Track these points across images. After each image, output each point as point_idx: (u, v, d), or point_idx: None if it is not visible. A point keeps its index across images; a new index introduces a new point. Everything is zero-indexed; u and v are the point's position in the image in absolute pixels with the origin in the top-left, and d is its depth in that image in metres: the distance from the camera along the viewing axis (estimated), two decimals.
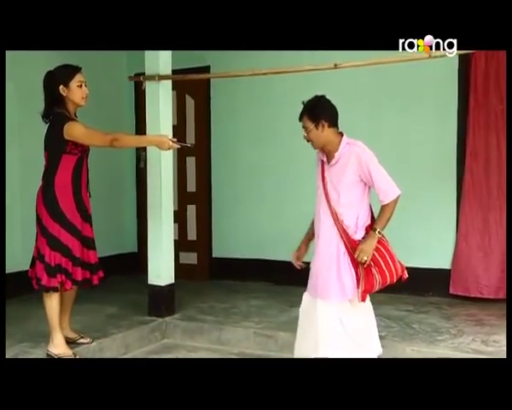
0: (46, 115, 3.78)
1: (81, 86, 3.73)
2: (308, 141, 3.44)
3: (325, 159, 3.46)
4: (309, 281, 3.55)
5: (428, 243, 5.37)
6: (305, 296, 3.58)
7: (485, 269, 5.10)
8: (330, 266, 3.40)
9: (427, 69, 4.99)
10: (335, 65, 3.94)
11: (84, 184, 3.85)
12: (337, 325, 3.39)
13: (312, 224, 3.63)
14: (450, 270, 5.30)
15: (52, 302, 3.78)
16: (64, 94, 3.71)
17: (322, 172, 3.47)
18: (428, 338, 4.14)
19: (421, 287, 5.28)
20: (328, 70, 4.15)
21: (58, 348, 3.81)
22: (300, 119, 3.43)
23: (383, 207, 3.37)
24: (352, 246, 3.35)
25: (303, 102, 3.43)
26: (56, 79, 3.72)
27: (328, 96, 3.45)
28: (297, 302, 3.78)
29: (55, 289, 3.74)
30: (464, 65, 5.14)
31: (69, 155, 3.71)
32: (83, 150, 3.76)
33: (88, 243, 3.87)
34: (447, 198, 5.31)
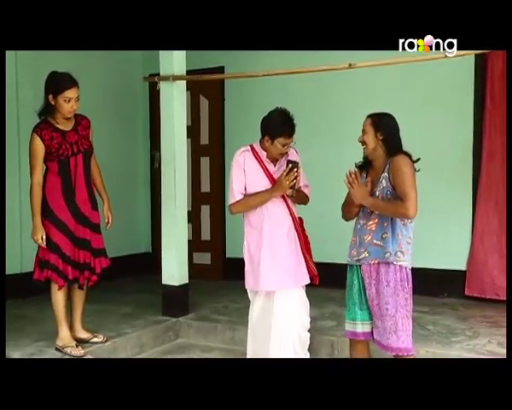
0: (39, 115, 3.83)
1: (69, 102, 3.73)
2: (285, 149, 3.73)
3: (268, 159, 3.70)
4: (261, 277, 3.70)
5: (443, 243, 5.32)
6: (258, 296, 3.75)
7: (501, 271, 5.02)
8: (291, 256, 3.66)
9: (442, 69, 4.96)
10: (350, 65, 3.92)
11: (81, 186, 3.85)
12: (294, 316, 3.65)
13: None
14: (465, 271, 5.25)
15: (57, 297, 3.86)
16: (52, 103, 3.76)
17: (269, 174, 3.69)
18: (443, 340, 4.10)
19: (436, 288, 5.25)
20: (344, 71, 4.13)
21: (62, 340, 3.89)
22: (294, 132, 3.73)
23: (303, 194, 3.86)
24: (303, 234, 3.76)
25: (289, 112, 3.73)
26: (48, 87, 3.77)
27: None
28: (311, 303, 3.77)
29: (46, 283, 3.82)
30: (481, 65, 5.10)
31: (49, 161, 3.78)
32: (61, 154, 3.77)
33: (79, 244, 3.88)
34: (463, 199, 5.26)
